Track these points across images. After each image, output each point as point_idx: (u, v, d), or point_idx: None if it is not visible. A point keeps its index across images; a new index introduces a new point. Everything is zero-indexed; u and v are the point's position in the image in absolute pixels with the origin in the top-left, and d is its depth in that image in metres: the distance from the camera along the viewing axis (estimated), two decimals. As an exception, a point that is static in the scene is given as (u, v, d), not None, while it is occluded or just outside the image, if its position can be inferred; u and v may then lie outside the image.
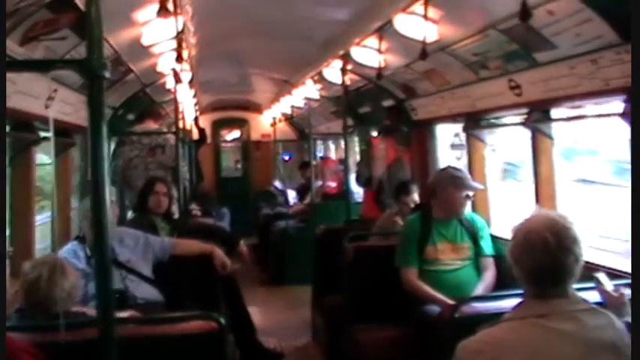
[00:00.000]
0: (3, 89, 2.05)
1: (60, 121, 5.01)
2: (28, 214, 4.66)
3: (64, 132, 5.47)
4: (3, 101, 2.07)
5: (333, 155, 12.65)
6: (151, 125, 7.61)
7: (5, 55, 2.16)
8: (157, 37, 4.98)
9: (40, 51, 3.77)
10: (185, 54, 5.62)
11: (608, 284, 2.78)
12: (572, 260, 2.32)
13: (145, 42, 5.06)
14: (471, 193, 4.77)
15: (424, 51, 4.24)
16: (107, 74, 1.77)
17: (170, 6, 3.85)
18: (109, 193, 1.94)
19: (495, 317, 2.42)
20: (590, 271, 2.72)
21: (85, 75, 1.76)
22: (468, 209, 4.89)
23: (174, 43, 4.91)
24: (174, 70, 6.11)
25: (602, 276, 2.81)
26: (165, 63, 6.06)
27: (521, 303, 2.40)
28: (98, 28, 1.76)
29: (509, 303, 2.52)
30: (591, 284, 2.79)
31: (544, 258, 2.31)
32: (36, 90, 4.12)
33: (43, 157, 5.17)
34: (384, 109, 7.46)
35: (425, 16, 4.13)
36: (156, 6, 3.88)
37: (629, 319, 2.53)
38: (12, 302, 3.37)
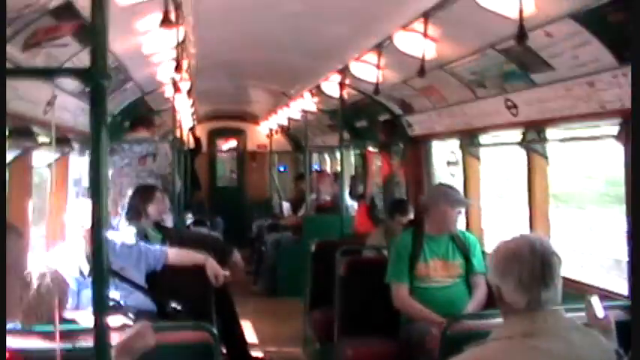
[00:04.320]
0: (3, 98, 2.06)
1: (58, 127, 5.02)
2: (24, 219, 4.65)
3: (61, 138, 5.47)
4: (3, 108, 2.08)
5: (328, 168, 12.64)
6: (144, 134, 7.59)
7: (5, 64, 2.16)
8: (158, 46, 5.00)
9: (42, 57, 3.79)
10: (185, 64, 5.64)
11: (599, 309, 2.79)
12: (556, 261, 2.38)
13: (145, 51, 5.07)
14: (462, 210, 4.81)
15: (422, 68, 4.27)
16: (108, 84, 1.78)
17: (172, 16, 3.85)
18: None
19: (487, 335, 2.43)
20: (581, 291, 2.73)
21: (88, 84, 1.77)
22: (460, 226, 4.91)
23: (174, 53, 4.92)
24: (173, 79, 6.12)
25: (594, 299, 2.81)
26: (165, 72, 6.07)
27: (505, 321, 2.42)
28: (103, 37, 1.77)
29: (500, 321, 2.52)
30: (581, 305, 2.80)
31: (534, 260, 2.35)
32: (36, 95, 4.13)
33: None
34: (379, 124, 7.49)
35: (425, 34, 4.17)
36: (158, 15, 3.89)
37: (614, 345, 2.54)
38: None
